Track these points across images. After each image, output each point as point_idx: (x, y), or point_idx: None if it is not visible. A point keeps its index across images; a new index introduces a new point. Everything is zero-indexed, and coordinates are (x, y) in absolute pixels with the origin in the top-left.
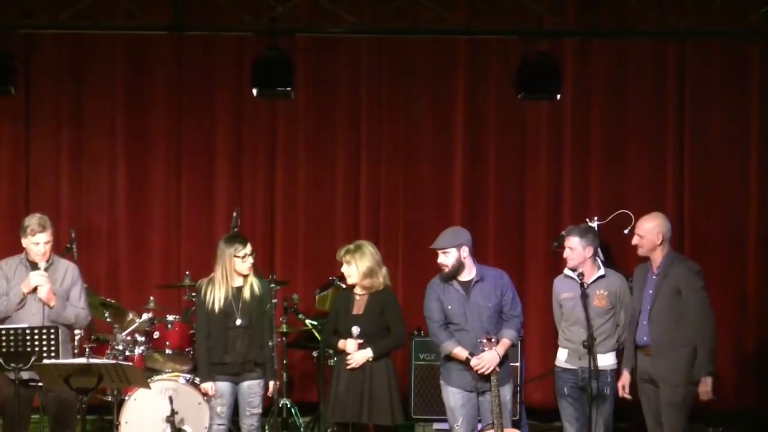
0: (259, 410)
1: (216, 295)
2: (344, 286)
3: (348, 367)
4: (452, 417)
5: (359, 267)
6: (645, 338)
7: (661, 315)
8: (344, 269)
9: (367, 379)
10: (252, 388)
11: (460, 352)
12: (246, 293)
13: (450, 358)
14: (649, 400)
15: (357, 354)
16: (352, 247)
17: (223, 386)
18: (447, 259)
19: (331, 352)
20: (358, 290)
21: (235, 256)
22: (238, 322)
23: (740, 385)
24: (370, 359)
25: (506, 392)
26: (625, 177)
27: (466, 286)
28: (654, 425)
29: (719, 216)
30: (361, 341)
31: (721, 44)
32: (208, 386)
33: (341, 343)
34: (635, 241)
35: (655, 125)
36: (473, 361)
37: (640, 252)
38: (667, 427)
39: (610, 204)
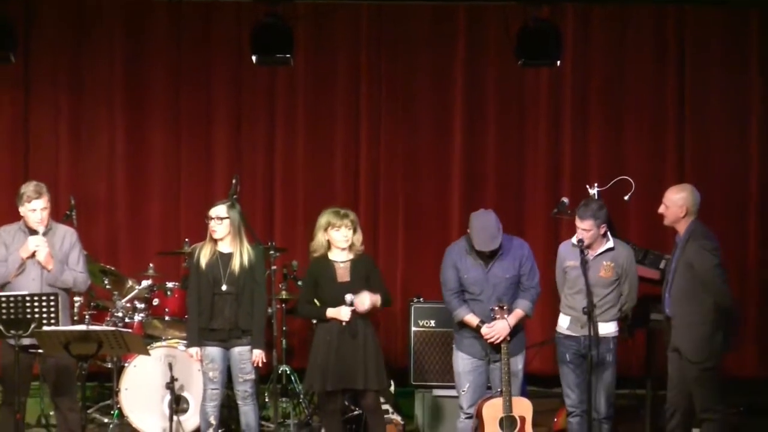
0: (252, 376)
1: (203, 261)
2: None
3: (357, 311)
4: (459, 383)
5: (358, 232)
6: (668, 310)
7: (678, 289)
8: (344, 234)
9: (361, 346)
10: (243, 354)
11: (472, 320)
12: (235, 260)
13: (462, 325)
14: (673, 369)
15: (363, 295)
16: (344, 211)
17: (214, 351)
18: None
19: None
20: (339, 257)
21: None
22: (224, 288)
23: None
24: (378, 305)
25: (517, 362)
26: (625, 143)
27: (487, 257)
28: (674, 394)
29: (719, 182)
30: (353, 308)
31: (722, 11)
32: (193, 350)
33: (332, 312)
34: (661, 209)
35: (656, 91)
36: (483, 330)
37: (665, 222)
38: (695, 400)
39: (610, 170)
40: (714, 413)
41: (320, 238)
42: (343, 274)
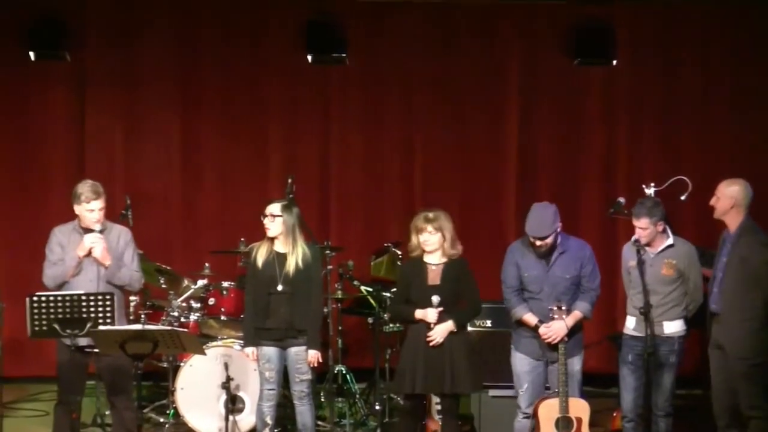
0: (308, 376)
1: (260, 260)
2: (399, 253)
3: (431, 344)
4: (517, 382)
5: (445, 234)
6: (714, 305)
7: (730, 284)
8: (426, 238)
9: (447, 350)
10: (299, 355)
11: (530, 319)
12: (290, 260)
13: (520, 324)
14: (717, 366)
15: (438, 328)
16: (431, 215)
17: (270, 351)
18: (546, 240)
19: (386, 317)
20: (433, 260)
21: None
22: (280, 287)
23: None
24: (453, 331)
25: (575, 363)
26: (680, 142)
27: (548, 255)
28: (720, 391)
29: None
30: (441, 309)
31: None
32: (249, 350)
33: (420, 313)
34: (712, 201)
35: (709, 90)
36: (541, 330)
37: (715, 214)
38: (741, 397)
39: (665, 170)
40: (761, 411)
41: (413, 240)
42: (434, 276)
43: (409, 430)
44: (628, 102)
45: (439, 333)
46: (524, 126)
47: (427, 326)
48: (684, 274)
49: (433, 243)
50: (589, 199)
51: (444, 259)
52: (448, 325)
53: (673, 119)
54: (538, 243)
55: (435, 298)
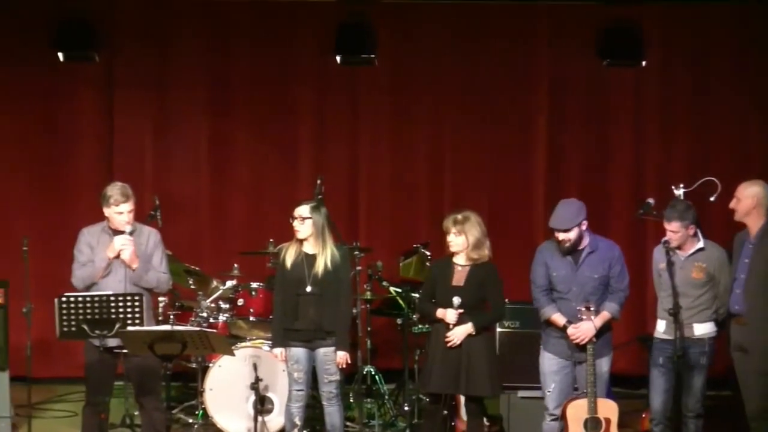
0: (337, 377)
1: (288, 261)
2: (428, 253)
3: (449, 345)
4: (545, 383)
5: (468, 238)
6: (737, 306)
7: (753, 285)
8: (451, 239)
9: (465, 351)
10: (327, 356)
11: (558, 319)
12: (319, 261)
13: (549, 324)
14: (742, 368)
15: (457, 330)
16: (460, 217)
17: (299, 352)
18: (569, 235)
19: (415, 318)
20: (460, 261)
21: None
22: (309, 288)
23: None
24: (472, 333)
25: (603, 364)
26: (709, 144)
27: (577, 255)
28: (751, 393)
29: None
30: (461, 311)
31: None
32: (278, 351)
33: (440, 313)
34: (732, 204)
35: (740, 91)
36: (569, 330)
37: (735, 216)
38: (759, 394)
39: (695, 171)
40: None
41: (447, 239)
42: (459, 278)
43: (433, 429)
44: (658, 102)
45: (457, 334)
46: (553, 127)
47: (447, 326)
48: (714, 277)
49: (457, 245)
50: (619, 199)
51: (470, 262)
52: (467, 327)
53: (703, 120)
54: (560, 237)
55: (456, 300)
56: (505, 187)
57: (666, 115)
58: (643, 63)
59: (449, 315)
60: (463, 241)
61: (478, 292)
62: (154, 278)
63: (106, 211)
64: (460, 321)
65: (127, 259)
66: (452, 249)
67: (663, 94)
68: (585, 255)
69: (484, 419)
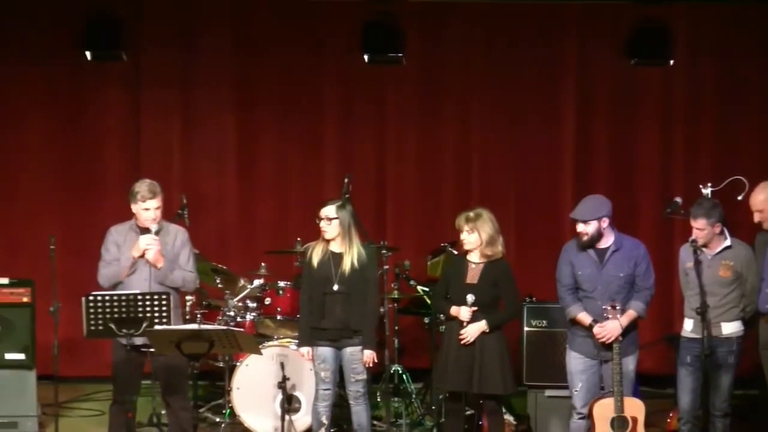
0: (364, 376)
1: (315, 260)
2: (455, 252)
3: (462, 342)
4: (572, 382)
5: (481, 235)
6: (767, 306)
7: None
8: (464, 237)
9: (478, 349)
10: (354, 355)
11: (584, 318)
12: (346, 260)
13: (575, 323)
14: None
15: (471, 327)
16: (472, 214)
17: (325, 351)
18: (587, 228)
19: (441, 317)
20: (474, 258)
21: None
22: (335, 287)
23: None
24: (486, 331)
25: (629, 363)
26: (737, 143)
27: (602, 253)
28: None
29: None
30: (475, 308)
31: None
32: (304, 350)
33: (454, 310)
34: (757, 218)
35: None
36: (595, 329)
37: (765, 225)
38: None
39: (722, 170)
40: None
41: (461, 237)
42: (473, 275)
43: (453, 428)
44: (685, 102)
45: (470, 332)
46: (581, 126)
47: (460, 324)
48: (741, 276)
49: (471, 243)
50: (646, 199)
51: (484, 259)
52: (481, 325)
53: (731, 119)
54: (579, 229)
55: (470, 297)
56: (533, 186)
57: (693, 114)
58: (671, 62)
59: (463, 312)
60: (477, 239)
61: (492, 290)
62: (180, 277)
63: (134, 208)
64: (474, 318)
65: (151, 258)
66: (466, 247)
67: (690, 93)
68: (610, 253)
69: (510, 418)
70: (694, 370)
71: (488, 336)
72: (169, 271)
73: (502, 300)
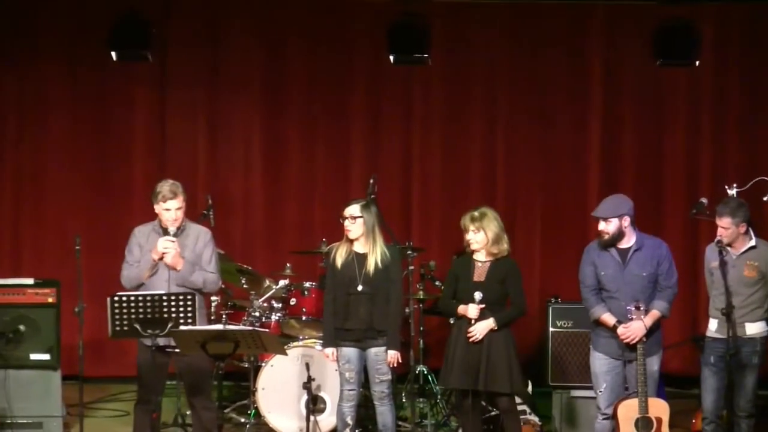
0: (389, 377)
1: (339, 261)
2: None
3: (471, 339)
4: (596, 383)
5: (488, 234)
6: None
7: None
8: (470, 237)
9: (485, 348)
10: (379, 355)
11: (608, 319)
12: (370, 260)
13: (599, 323)
14: None
15: (479, 325)
16: (477, 214)
17: (350, 352)
18: (608, 227)
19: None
20: (480, 257)
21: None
22: (360, 288)
23: None
24: (494, 329)
25: (653, 363)
26: (764, 143)
27: (624, 253)
28: None
29: None
30: (482, 306)
31: None
32: (329, 351)
33: (462, 308)
34: None
35: None
36: (619, 330)
37: None
38: None
39: (749, 171)
40: None
41: (466, 238)
42: (480, 273)
43: (469, 427)
44: (711, 102)
45: (479, 330)
46: (607, 126)
47: (468, 322)
48: (766, 275)
49: (477, 242)
50: (672, 199)
51: (490, 258)
52: (489, 323)
53: (757, 119)
54: (600, 227)
55: (477, 295)
56: (558, 187)
57: (719, 114)
58: (697, 63)
59: (471, 310)
60: (483, 238)
61: (500, 288)
62: (200, 278)
63: (156, 208)
64: (482, 316)
65: (169, 262)
66: (473, 247)
67: (716, 94)
68: (632, 253)
69: (535, 418)
70: (718, 370)
71: (496, 334)
72: (189, 274)
73: (509, 298)
